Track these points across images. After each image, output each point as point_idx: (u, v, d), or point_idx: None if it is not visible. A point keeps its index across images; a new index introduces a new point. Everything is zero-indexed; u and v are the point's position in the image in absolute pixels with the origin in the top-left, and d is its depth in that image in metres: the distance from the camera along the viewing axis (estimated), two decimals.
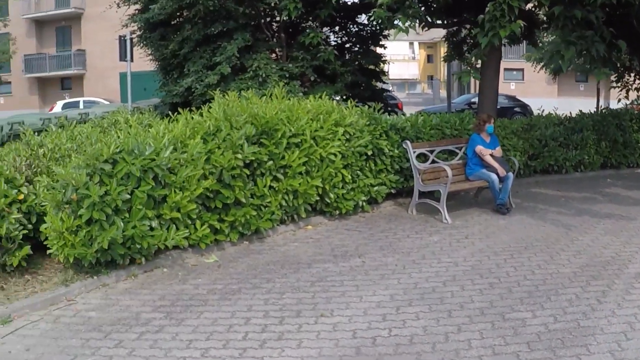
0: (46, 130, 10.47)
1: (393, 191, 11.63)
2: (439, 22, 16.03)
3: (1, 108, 47.55)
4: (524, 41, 18.05)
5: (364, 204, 10.93)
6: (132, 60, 20.45)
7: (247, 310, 6.75)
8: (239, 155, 8.75)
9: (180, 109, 9.85)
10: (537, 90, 46.89)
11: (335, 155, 10.10)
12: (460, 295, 7.07)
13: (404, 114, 16.50)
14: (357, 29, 19.42)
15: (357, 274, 7.89)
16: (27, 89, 49.92)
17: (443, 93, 58.96)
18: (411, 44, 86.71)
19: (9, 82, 48.15)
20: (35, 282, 7.70)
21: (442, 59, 25.22)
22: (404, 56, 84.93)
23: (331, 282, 7.60)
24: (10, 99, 49.89)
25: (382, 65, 19.48)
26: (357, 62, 18.18)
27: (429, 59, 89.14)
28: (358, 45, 19.29)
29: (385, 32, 18.90)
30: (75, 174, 7.37)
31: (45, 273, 8.06)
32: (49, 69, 48.47)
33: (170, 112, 13.29)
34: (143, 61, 20.45)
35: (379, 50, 19.49)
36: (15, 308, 6.90)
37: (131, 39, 20.13)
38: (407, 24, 12.14)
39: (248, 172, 9.03)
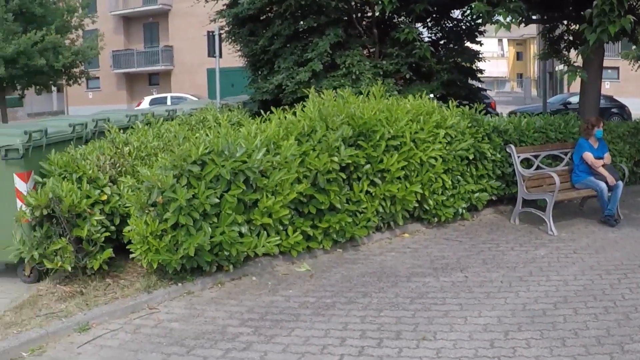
0: (132, 128, 10.10)
1: (494, 198, 10.90)
2: (536, 17, 15.21)
3: (90, 103, 48.29)
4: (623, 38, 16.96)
5: (464, 211, 10.24)
6: (220, 56, 20.09)
7: (342, 328, 6.17)
8: (335, 158, 8.20)
9: (272, 108, 9.36)
10: (633, 89, 44.98)
11: (435, 159, 9.45)
12: (574, 320, 6.30)
13: (496, 114, 15.69)
14: (451, 25, 18.63)
15: (460, 290, 7.22)
16: (115, 85, 50.59)
17: (534, 92, 57.56)
18: (500, 40, 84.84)
19: (97, 78, 48.91)
20: (116, 287, 7.37)
21: (536, 56, 24.23)
22: (492, 53, 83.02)
23: (432, 299, 6.94)
24: (99, 94, 50.66)
25: (477, 62, 18.64)
26: (452, 60, 17.41)
27: (518, 56, 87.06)
28: (453, 42, 18.52)
29: (481, 28, 18.07)
30: (162, 175, 6.96)
31: (127, 277, 7.74)
32: (137, 64, 48.98)
33: (260, 110, 12.87)
34: (231, 57, 20.10)
35: (474, 47, 18.66)
36: (94, 315, 6.60)
37: (219, 35, 19.77)
38: (508, 19, 11.40)
39: (344, 176, 8.44)
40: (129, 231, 7.30)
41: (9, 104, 37.12)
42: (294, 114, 8.99)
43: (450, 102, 10.70)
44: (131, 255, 7.37)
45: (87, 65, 35.17)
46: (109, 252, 7.49)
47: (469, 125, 10.33)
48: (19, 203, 7.61)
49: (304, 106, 9.09)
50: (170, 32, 47.72)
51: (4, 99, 31.94)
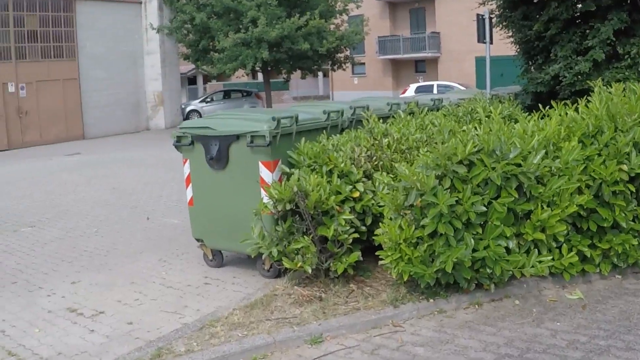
0: (393, 117, 9.29)
1: None
2: None
3: (355, 88, 48.75)
4: None
5: None
6: (491, 42, 19.00)
7: None
8: (624, 167, 6.79)
9: (553, 102, 8.12)
10: None
11: None
12: None
13: None
14: None
15: None
16: (381, 71, 50.63)
17: None
18: None
19: (363, 64, 49.13)
20: (359, 296, 6.62)
21: None
22: None
23: None
24: (364, 80, 50.98)
25: None
26: None
27: None
28: None
29: None
30: (422, 175, 6.04)
31: (373, 284, 6.96)
32: (403, 51, 48.61)
33: (532, 103, 11.64)
34: (502, 44, 18.89)
35: None
36: (330, 326, 5.94)
37: (490, 19, 18.65)
38: None
39: (632, 189, 7.00)
40: (380, 234, 6.47)
41: (274, 88, 38.22)
42: (577, 110, 7.71)
43: None
44: (380, 262, 6.54)
45: (352, 51, 35.20)
46: (357, 255, 6.79)
47: None
48: (262, 193, 7.09)
49: (589, 101, 7.77)
50: (437, 17, 46.86)
51: (269, 82, 32.71)
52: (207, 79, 55.08)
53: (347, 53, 33.59)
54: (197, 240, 8.21)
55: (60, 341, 6.17)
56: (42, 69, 28.52)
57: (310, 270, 6.64)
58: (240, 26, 28.39)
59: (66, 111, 29.37)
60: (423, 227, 6.11)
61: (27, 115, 27.77)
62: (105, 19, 31.04)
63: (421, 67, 49.69)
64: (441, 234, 6.05)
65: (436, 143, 6.72)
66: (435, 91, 30.54)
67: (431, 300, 6.36)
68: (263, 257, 7.15)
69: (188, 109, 37.14)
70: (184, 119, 34.35)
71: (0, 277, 8.43)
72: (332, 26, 31.33)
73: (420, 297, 6.40)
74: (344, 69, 34.70)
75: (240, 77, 50.96)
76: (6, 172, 19.20)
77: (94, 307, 7.04)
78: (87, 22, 30.19)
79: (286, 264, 6.67)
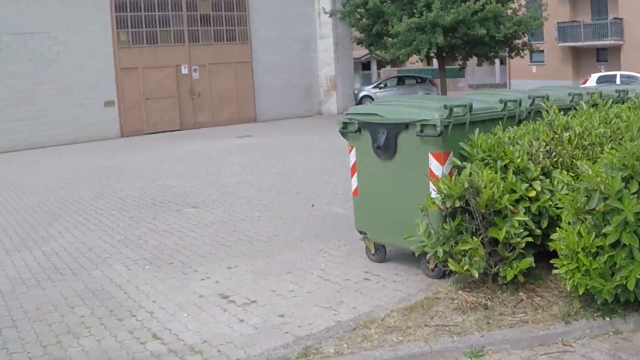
0: (575, 109, 8.53)
1: None
2: None
3: (533, 77, 47.20)
4: None
5: None
6: None
7: None
8: None
9: None
10: None
11: None
12: None
13: None
14: None
15: None
16: (560, 59, 48.72)
17: None
18: None
19: (542, 51, 47.43)
20: (528, 307, 6.02)
21: None
22: None
23: None
24: (543, 68, 49.24)
25: None
26: None
27: None
28: None
29: None
30: (607, 176, 5.36)
31: (544, 294, 6.32)
32: (584, 38, 46.51)
33: None
34: None
35: None
36: (493, 339, 5.44)
37: None
38: None
39: None
40: (556, 240, 5.81)
41: (449, 74, 37.51)
42: None
43: None
44: (554, 271, 5.90)
45: (530, 37, 33.88)
46: (529, 261, 6.16)
47: None
48: (430, 187, 6.62)
49: None
50: (620, 3, 44.45)
51: (444, 68, 32.04)
52: (381, 64, 54.89)
53: (525, 39, 32.33)
54: (360, 232, 7.88)
55: (207, 328, 6.03)
56: (215, 52, 29.37)
57: (477, 275, 6.10)
58: (414, 10, 27.91)
59: (238, 94, 30.03)
60: (605, 235, 5.43)
61: (200, 97, 28.65)
62: (278, 4, 31.52)
63: (602, 55, 47.42)
64: (624, 245, 5.35)
65: (621, 139, 6.03)
66: (618, 82, 28.83)
67: (607, 319, 5.67)
68: (428, 256, 6.67)
69: (361, 94, 37.11)
70: (357, 104, 34.20)
71: (157, 256, 8.48)
72: (509, 11, 30.25)
73: (595, 314, 5.73)
74: (521, 56, 33.53)
75: (414, 63, 50.50)
76: (176, 152, 19.71)
77: (247, 295, 6.88)
78: (260, 7, 30.79)
79: (452, 266, 6.18)
